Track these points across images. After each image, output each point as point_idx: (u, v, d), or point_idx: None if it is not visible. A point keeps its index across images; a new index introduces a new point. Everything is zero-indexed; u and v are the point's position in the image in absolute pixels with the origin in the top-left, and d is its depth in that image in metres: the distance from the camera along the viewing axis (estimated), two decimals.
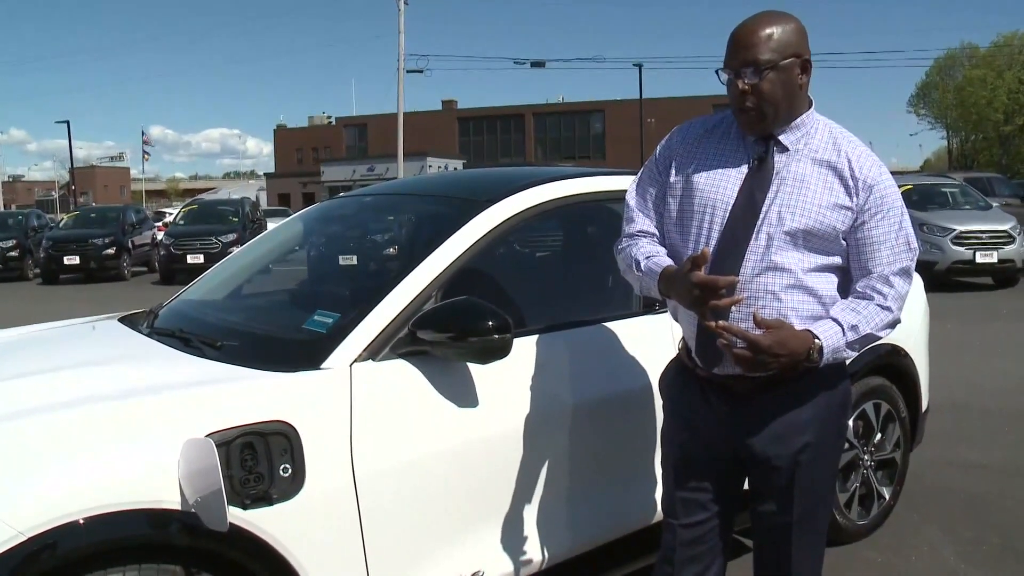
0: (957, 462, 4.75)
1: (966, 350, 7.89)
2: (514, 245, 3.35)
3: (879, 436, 3.71)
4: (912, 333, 3.76)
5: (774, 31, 2.00)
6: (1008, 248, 12.76)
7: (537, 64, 36.70)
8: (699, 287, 1.95)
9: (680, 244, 2.18)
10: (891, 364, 3.69)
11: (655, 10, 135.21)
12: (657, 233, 2.25)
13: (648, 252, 2.20)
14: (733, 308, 2.05)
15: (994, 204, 14.90)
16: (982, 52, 51.39)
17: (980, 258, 12.67)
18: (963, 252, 12.65)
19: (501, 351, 2.35)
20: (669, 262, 2.14)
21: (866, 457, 3.66)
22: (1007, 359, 7.70)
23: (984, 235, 12.77)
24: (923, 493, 4.23)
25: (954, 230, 12.71)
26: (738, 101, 2.04)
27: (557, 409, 2.63)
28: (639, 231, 2.26)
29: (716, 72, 2.09)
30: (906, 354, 3.75)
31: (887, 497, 3.80)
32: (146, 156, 56.95)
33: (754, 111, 2.03)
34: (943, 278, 12.59)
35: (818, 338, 2.00)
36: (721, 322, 1.99)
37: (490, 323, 2.30)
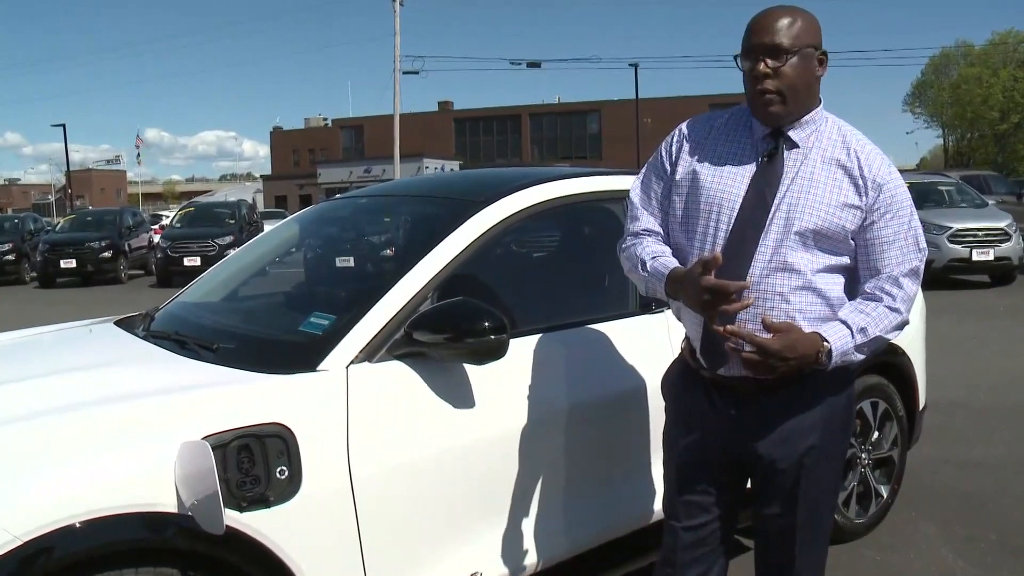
0: (954, 460, 4.76)
1: (963, 348, 7.91)
2: (511, 246, 3.35)
3: (876, 434, 3.71)
4: (909, 331, 3.75)
5: (795, 20, 2.02)
6: (1004, 246, 12.80)
7: (533, 64, 36.73)
8: (709, 291, 1.93)
9: (686, 244, 2.16)
10: (888, 362, 3.69)
11: (651, 10, 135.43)
12: (661, 231, 2.23)
13: (654, 252, 2.17)
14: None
15: (990, 202, 14.95)
16: (977, 50, 51.43)
17: (976, 256, 12.70)
18: (960, 250, 12.69)
19: (497, 352, 2.34)
20: (676, 263, 2.12)
21: (864, 456, 3.66)
22: (1004, 356, 7.72)
23: (980, 233, 12.80)
24: (921, 491, 4.24)
25: (951, 228, 12.74)
26: (759, 83, 2.02)
27: (554, 410, 2.63)
28: (644, 230, 2.24)
29: (735, 58, 2.08)
30: (903, 352, 3.75)
31: (885, 495, 3.80)
32: (139, 160, 57.04)
33: (775, 94, 2.01)
34: (940, 276, 12.61)
35: (827, 341, 1.99)
36: (729, 326, 1.98)
37: (486, 324, 2.29)
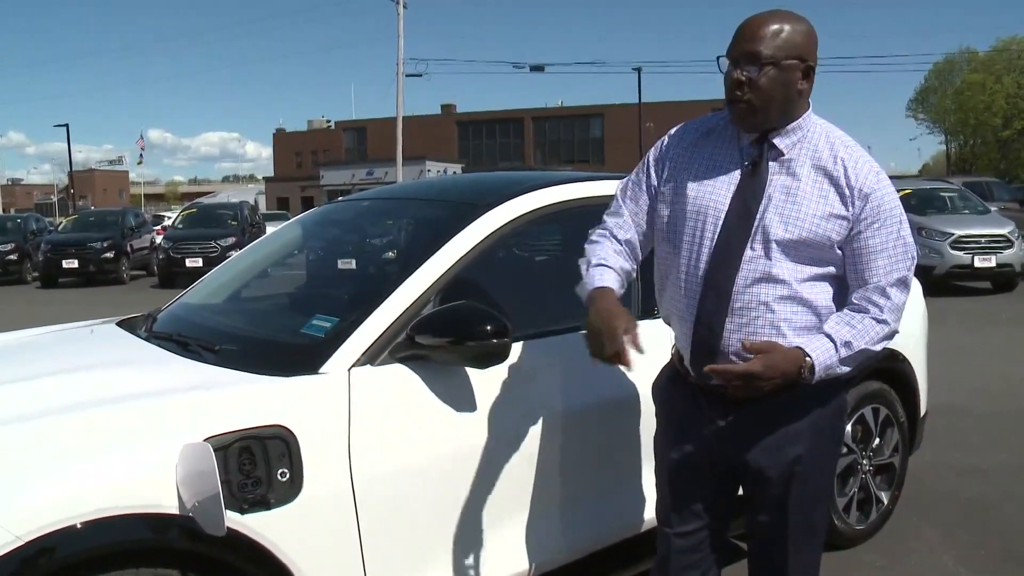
0: (956, 466, 4.75)
1: (965, 354, 7.89)
2: (513, 249, 3.35)
3: (877, 441, 3.71)
4: (910, 337, 3.75)
5: (782, 29, 1.96)
6: (1007, 252, 12.78)
7: (536, 68, 36.74)
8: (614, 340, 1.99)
9: (671, 252, 2.14)
10: (890, 368, 3.69)
11: (655, 14, 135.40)
12: (632, 237, 2.21)
13: (602, 257, 2.17)
14: (727, 319, 2.03)
15: (993, 208, 14.94)
16: (981, 56, 51.44)
17: (979, 262, 12.69)
18: (962, 256, 12.67)
19: (499, 356, 2.34)
20: (611, 281, 2.11)
21: (864, 462, 3.66)
22: (1006, 363, 7.71)
23: (983, 239, 12.79)
24: (922, 497, 4.23)
25: (953, 234, 12.72)
26: (732, 91, 2.00)
27: (555, 414, 2.63)
28: (612, 232, 2.23)
29: (717, 59, 2.05)
30: (904, 358, 3.75)
31: (886, 501, 3.80)
32: (140, 161, 57.19)
33: (744, 104, 1.99)
34: (942, 282, 12.60)
35: (809, 356, 1.96)
36: (711, 366, 1.98)
37: (488, 328, 2.29)
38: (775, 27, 1.96)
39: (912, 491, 4.11)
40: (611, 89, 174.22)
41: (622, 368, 2.58)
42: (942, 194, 14.62)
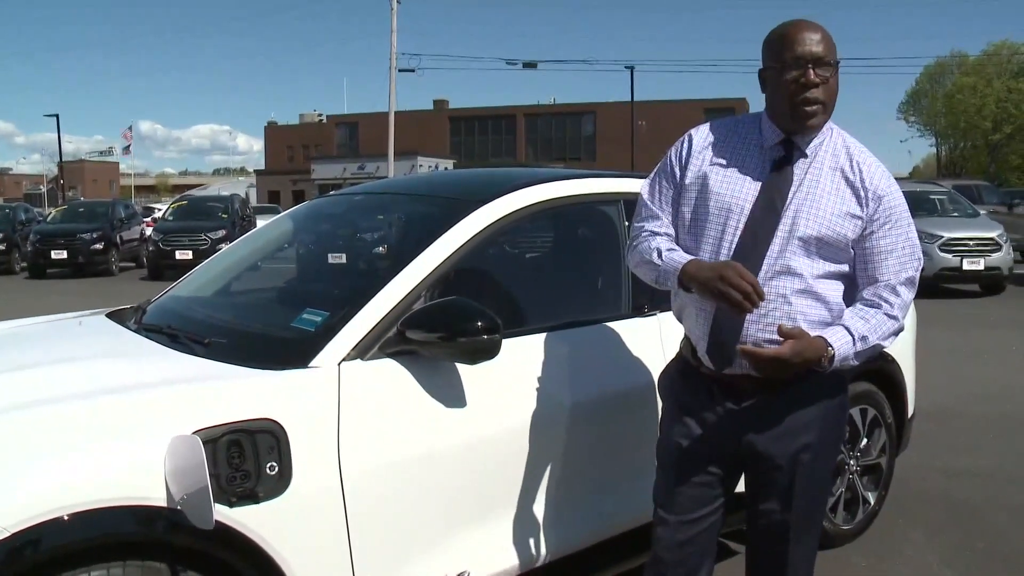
0: (943, 468, 4.78)
1: (952, 356, 7.93)
2: (504, 246, 3.35)
3: (865, 441, 3.72)
4: (900, 339, 3.76)
5: (828, 35, 2.08)
6: (995, 255, 12.85)
7: (529, 65, 36.73)
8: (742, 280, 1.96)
9: (694, 248, 2.18)
10: (878, 369, 3.71)
11: (647, 13, 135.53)
12: (672, 233, 2.25)
13: (670, 246, 2.20)
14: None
15: (982, 212, 15.02)
16: (972, 60, 51.70)
17: (967, 265, 12.75)
18: (950, 259, 12.73)
19: (490, 352, 2.35)
20: (692, 257, 2.14)
21: (851, 462, 3.67)
22: (993, 366, 7.75)
23: (971, 242, 12.86)
24: (909, 498, 4.25)
25: (942, 237, 12.79)
26: (804, 93, 2.04)
27: (545, 410, 2.63)
28: (655, 231, 2.25)
29: (764, 70, 2.11)
30: (893, 360, 3.76)
31: (872, 502, 3.81)
32: (125, 152, 56.77)
33: (820, 105, 2.06)
34: (930, 284, 12.62)
35: (831, 346, 2.04)
36: (745, 347, 2.03)
37: (479, 323, 2.30)
38: (825, 34, 2.07)
39: (900, 492, 4.13)
40: (603, 87, 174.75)
41: (635, 361, 2.61)
42: (932, 197, 14.69)
